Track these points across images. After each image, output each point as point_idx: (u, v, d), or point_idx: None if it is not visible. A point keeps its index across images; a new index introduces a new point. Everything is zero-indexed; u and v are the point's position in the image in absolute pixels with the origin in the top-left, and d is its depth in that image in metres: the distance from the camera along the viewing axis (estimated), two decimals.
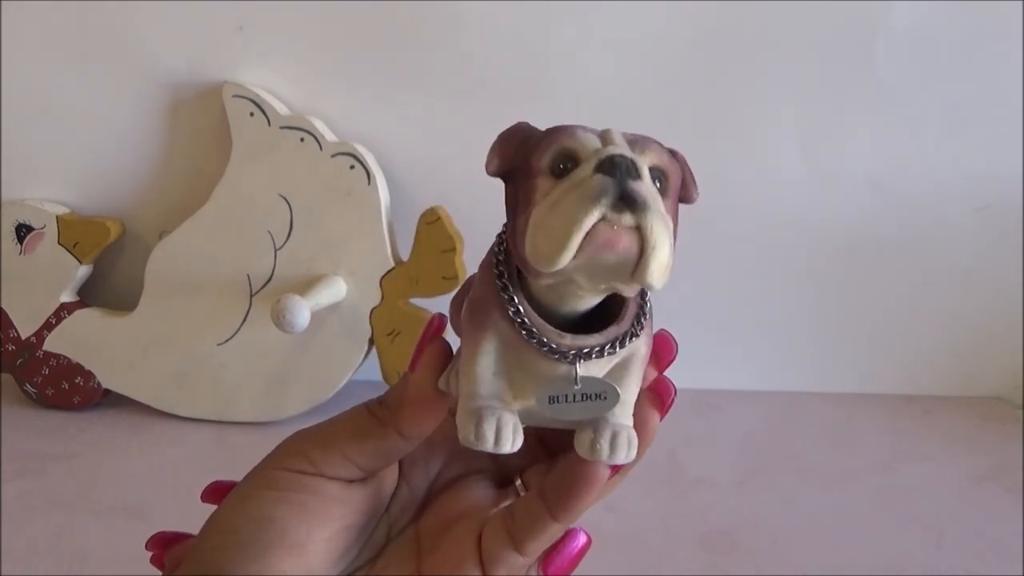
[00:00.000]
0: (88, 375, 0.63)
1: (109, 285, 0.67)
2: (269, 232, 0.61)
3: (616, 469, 0.22)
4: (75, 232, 0.62)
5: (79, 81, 0.62)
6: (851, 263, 0.69)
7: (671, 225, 0.20)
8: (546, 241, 0.19)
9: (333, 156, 0.60)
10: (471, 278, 0.23)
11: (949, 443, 0.65)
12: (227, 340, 0.62)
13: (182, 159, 0.64)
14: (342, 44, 0.61)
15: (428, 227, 0.58)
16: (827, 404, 0.71)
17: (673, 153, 0.22)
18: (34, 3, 0.59)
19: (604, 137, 0.21)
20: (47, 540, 0.49)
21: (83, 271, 0.63)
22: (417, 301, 0.60)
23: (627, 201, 0.19)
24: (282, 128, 0.60)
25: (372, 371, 0.61)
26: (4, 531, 0.49)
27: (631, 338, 0.21)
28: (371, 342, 0.61)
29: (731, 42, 0.62)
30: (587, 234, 0.18)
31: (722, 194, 0.66)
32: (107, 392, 0.64)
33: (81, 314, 0.63)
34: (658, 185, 0.20)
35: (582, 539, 0.22)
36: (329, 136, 0.61)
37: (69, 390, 0.64)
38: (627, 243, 0.18)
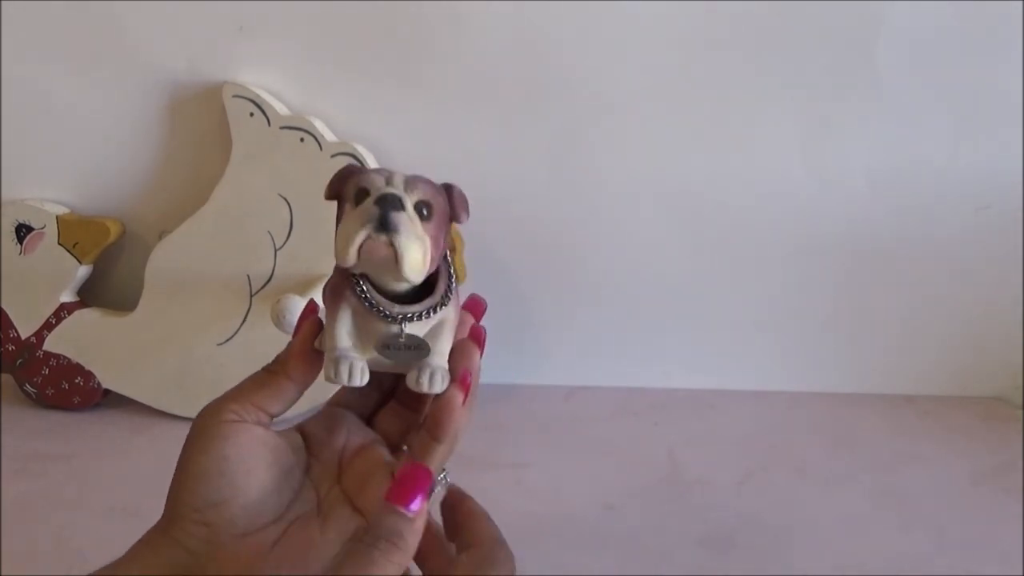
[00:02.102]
0: (88, 375, 0.63)
1: (109, 285, 0.67)
2: (269, 232, 0.61)
3: (467, 397, 0.31)
4: (75, 232, 0.62)
5: (79, 81, 0.62)
6: (851, 263, 0.69)
7: (425, 239, 0.28)
8: (340, 243, 0.29)
9: (333, 156, 0.60)
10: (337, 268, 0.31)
11: (949, 443, 0.65)
12: (227, 340, 0.62)
13: (182, 159, 0.64)
14: (342, 44, 0.61)
15: None
16: (827, 404, 0.71)
17: (448, 187, 0.31)
18: (34, 3, 0.59)
19: (388, 179, 0.29)
20: (47, 540, 0.49)
21: (83, 271, 0.63)
22: None
23: (383, 225, 0.28)
24: (282, 128, 0.60)
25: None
26: (4, 531, 0.49)
27: (441, 307, 0.30)
28: None
29: (731, 42, 0.62)
30: (360, 245, 0.28)
31: (722, 194, 0.66)
32: (107, 392, 0.64)
33: (81, 314, 0.63)
34: (425, 212, 0.29)
35: (426, 473, 0.28)
36: (329, 136, 0.61)
37: (69, 390, 0.64)
38: (384, 252, 0.28)
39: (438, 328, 0.31)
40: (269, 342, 0.61)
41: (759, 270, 0.69)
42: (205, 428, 0.31)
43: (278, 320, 0.54)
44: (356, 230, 0.28)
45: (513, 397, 0.69)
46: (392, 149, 0.63)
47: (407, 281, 0.29)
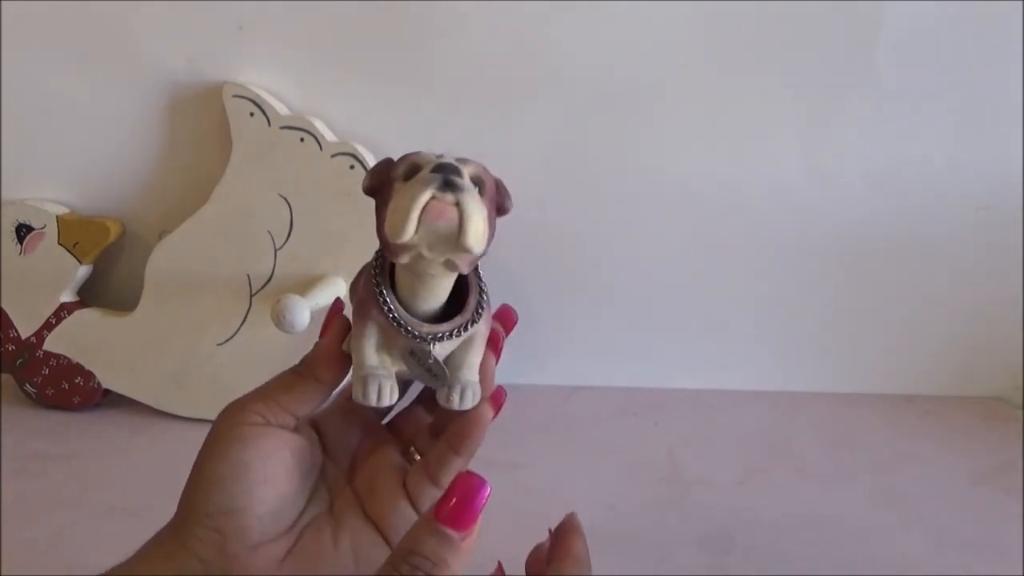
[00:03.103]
0: (88, 375, 0.63)
1: (109, 285, 0.67)
2: (269, 232, 0.61)
3: (497, 412, 0.30)
4: (75, 232, 0.62)
5: (79, 81, 0.62)
6: (851, 263, 0.69)
7: (484, 208, 0.26)
8: (397, 217, 0.26)
9: (333, 156, 0.60)
10: (360, 273, 0.31)
11: (949, 443, 0.65)
12: (227, 340, 0.62)
13: (182, 159, 0.64)
14: (342, 44, 0.61)
15: None
16: (827, 404, 0.71)
17: (497, 183, 0.29)
18: (34, 3, 0.59)
19: (439, 156, 0.28)
20: (47, 540, 0.49)
21: (83, 271, 0.63)
22: None
23: (449, 185, 0.26)
24: (282, 128, 0.60)
25: None
26: (4, 531, 0.49)
27: (472, 324, 0.29)
28: None
29: (731, 42, 0.62)
30: (423, 210, 0.25)
31: (722, 194, 0.66)
32: (107, 392, 0.64)
33: (81, 314, 0.63)
34: (476, 188, 0.27)
35: (484, 489, 0.26)
36: (329, 136, 0.61)
37: (69, 390, 0.64)
38: (450, 214, 0.25)
39: (469, 342, 0.30)
40: (269, 342, 0.61)
41: (759, 270, 0.69)
42: (226, 430, 0.29)
43: (278, 320, 0.54)
44: (417, 194, 0.25)
45: (513, 397, 0.68)
46: (392, 149, 0.62)
47: (469, 252, 0.26)
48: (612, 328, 0.71)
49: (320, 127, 0.60)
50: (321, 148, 0.60)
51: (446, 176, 0.26)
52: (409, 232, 0.25)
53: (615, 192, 0.66)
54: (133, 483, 0.55)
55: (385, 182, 0.28)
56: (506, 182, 0.29)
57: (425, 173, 0.26)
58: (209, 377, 0.62)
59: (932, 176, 0.66)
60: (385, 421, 0.35)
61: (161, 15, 0.60)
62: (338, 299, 0.33)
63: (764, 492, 0.57)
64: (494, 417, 0.30)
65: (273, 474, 0.28)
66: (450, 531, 0.24)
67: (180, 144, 0.64)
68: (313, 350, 0.31)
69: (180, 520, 0.28)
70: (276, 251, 0.61)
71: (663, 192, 0.66)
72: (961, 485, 0.59)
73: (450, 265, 0.27)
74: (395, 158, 0.29)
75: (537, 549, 0.32)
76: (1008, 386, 0.73)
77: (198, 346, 0.62)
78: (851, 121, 0.65)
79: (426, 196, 0.25)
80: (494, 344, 0.31)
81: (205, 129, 0.63)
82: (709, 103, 0.64)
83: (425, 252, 0.26)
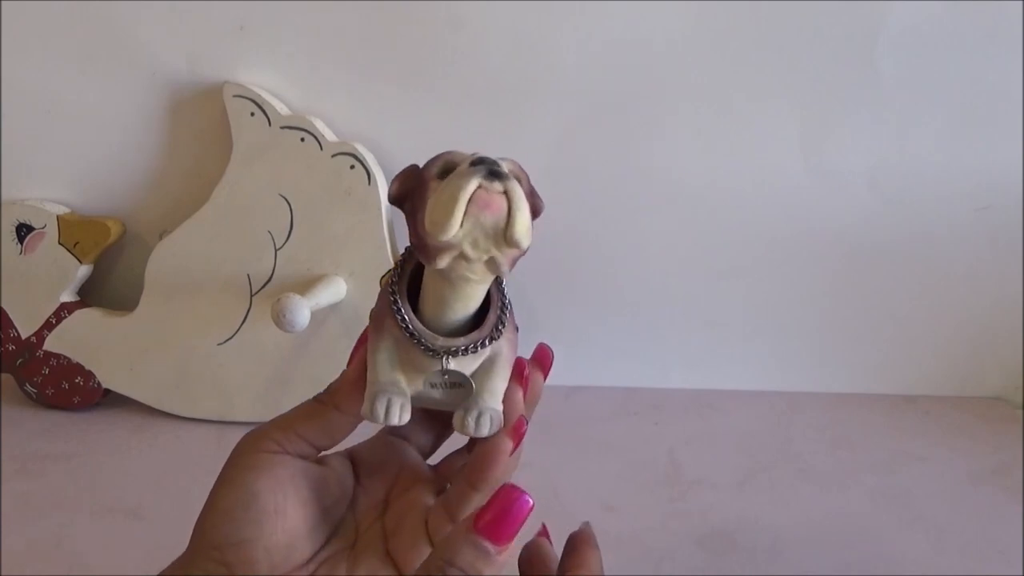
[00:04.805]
0: (88, 375, 0.63)
1: (109, 285, 0.67)
2: (269, 232, 0.61)
3: (517, 446, 0.28)
4: (75, 232, 0.62)
5: (79, 81, 0.62)
6: (851, 263, 0.69)
7: (527, 202, 0.25)
8: (441, 210, 0.24)
9: (333, 156, 0.60)
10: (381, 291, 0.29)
11: (949, 443, 0.65)
12: (227, 340, 0.62)
13: (182, 159, 0.64)
14: (342, 44, 0.61)
15: None
16: (827, 404, 0.71)
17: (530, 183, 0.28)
18: (34, 3, 0.59)
19: (474, 154, 0.26)
20: (47, 540, 0.49)
21: (83, 271, 0.63)
22: None
23: (495, 174, 0.24)
24: (282, 128, 0.60)
25: None
26: (4, 531, 0.49)
27: (490, 340, 0.27)
28: None
29: (731, 42, 0.62)
30: (470, 200, 0.24)
31: (722, 193, 0.66)
32: (107, 392, 0.64)
33: (81, 314, 0.63)
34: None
35: (526, 502, 0.25)
36: (329, 136, 0.61)
37: (69, 390, 0.64)
38: (499, 203, 0.24)
39: (489, 364, 0.28)
40: (269, 342, 0.61)
41: (759, 270, 0.69)
42: (239, 457, 0.28)
43: (278, 320, 0.54)
44: (463, 184, 0.24)
45: None
46: (392, 149, 0.63)
47: (516, 246, 0.25)
48: (612, 328, 0.71)
49: (320, 127, 0.60)
50: (321, 148, 0.60)
51: (490, 167, 0.25)
52: (455, 226, 0.24)
53: (615, 192, 0.66)
54: (133, 483, 0.55)
55: (417, 185, 0.26)
56: None
57: (464, 167, 0.25)
58: (209, 377, 0.62)
59: (932, 176, 0.66)
60: (433, 461, 0.33)
61: (161, 15, 0.60)
62: (367, 328, 0.31)
63: (764, 492, 0.57)
64: (514, 450, 0.28)
65: (285, 505, 0.27)
66: (488, 544, 0.23)
67: (180, 144, 0.64)
68: (339, 378, 0.30)
69: (190, 551, 0.27)
70: (276, 251, 0.61)
71: (663, 192, 0.66)
72: (961, 485, 0.59)
73: (492, 265, 0.26)
74: (420, 164, 0.27)
75: (527, 548, 0.31)
76: (1008, 386, 0.73)
77: (198, 346, 0.62)
78: (851, 121, 0.65)
79: (473, 185, 0.24)
80: (519, 374, 0.29)
81: (205, 129, 0.63)
82: (707, 102, 0.64)
83: (468, 250, 0.25)
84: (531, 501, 0.25)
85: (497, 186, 0.24)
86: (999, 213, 0.67)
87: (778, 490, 0.58)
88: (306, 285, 0.58)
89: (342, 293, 0.60)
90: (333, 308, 0.60)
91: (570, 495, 0.55)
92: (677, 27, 0.61)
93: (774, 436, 0.66)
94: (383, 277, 0.30)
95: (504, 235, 0.25)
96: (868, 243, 0.68)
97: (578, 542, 0.30)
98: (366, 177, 0.60)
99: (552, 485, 0.56)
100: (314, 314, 0.55)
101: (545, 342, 0.32)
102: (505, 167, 0.26)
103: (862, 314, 0.71)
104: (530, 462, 0.59)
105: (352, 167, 0.60)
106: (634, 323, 0.71)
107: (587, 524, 0.31)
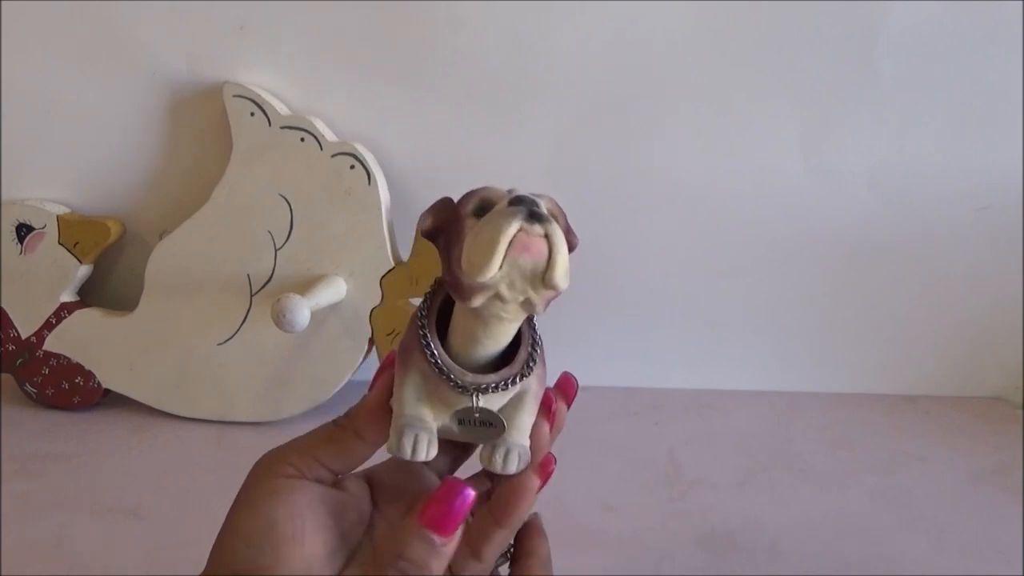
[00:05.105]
0: (88, 375, 0.63)
1: (109, 285, 0.67)
2: (269, 232, 0.61)
3: (544, 482, 0.28)
4: (75, 232, 0.62)
5: (79, 81, 0.62)
6: (851, 263, 0.69)
7: (566, 243, 0.25)
8: (480, 252, 0.24)
9: (333, 156, 0.60)
10: (410, 321, 0.29)
11: (949, 443, 0.65)
12: (227, 340, 0.62)
13: (182, 159, 0.64)
14: (342, 44, 0.61)
15: None
16: (827, 404, 0.71)
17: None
18: (34, 3, 0.59)
19: (511, 191, 0.26)
20: (47, 540, 0.49)
21: (83, 271, 0.63)
22: (417, 301, 0.60)
23: (536, 216, 0.24)
24: (282, 128, 0.60)
25: (372, 371, 0.61)
26: (4, 531, 0.49)
27: (521, 378, 0.27)
28: (371, 342, 0.61)
29: (731, 42, 0.62)
30: (510, 243, 0.24)
31: (722, 193, 0.66)
32: (107, 392, 0.64)
33: (81, 314, 0.63)
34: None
35: (468, 495, 0.26)
36: (329, 136, 0.61)
37: (69, 390, 0.64)
38: (540, 246, 0.24)
39: (518, 400, 0.28)
40: (269, 342, 0.61)
41: (759, 269, 0.69)
42: (258, 481, 0.28)
43: (278, 320, 0.54)
44: (504, 226, 0.24)
45: None
46: (392, 149, 0.63)
47: (554, 289, 0.25)
48: (612, 328, 0.71)
49: (320, 127, 0.60)
50: (321, 148, 0.60)
51: (530, 208, 0.24)
52: (494, 268, 0.24)
53: (615, 192, 0.66)
54: (133, 483, 0.55)
55: (451, 220, 0.26)
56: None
57: (503, 206, 0.25)
58: (209, 377, 0.62)
59: (932, 176, 0.66)
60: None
61: (161, 15, 0.60)
62: (392, 351, 0.30)
63: (764, 492, 0.57)
64: (540, 488, 0.28)
65: (303, 532, 0.27)
66: (434, 536, 0.24)
67: (180, 144, 0.64)
68: (360, 402, 0.30)
69: (208, 572, 0.27)
70: (276, 251, 0.61)
71: (663, 192, 0.66)
72: (961, 485, 0.59)
73: (527, 306, 0.25)
74: (455, 197, 0.27)
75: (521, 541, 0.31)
76: (1008, 386, 0.73)
77: (198, 346, 0.62)
78: (851, 121, 0.65)
79: (514, 228, 0.24)
80: (547, 409, 0.29)
81: (205, 129, 0.63)
82: (707, 102, 0.64)
83: (504, 291, 0.25)
84: (472, 493, 0.25)
85: (538, 229, 0.24)
86: (999, 213, 0.67)
87: (778, 490, 0.58)
88: (306, 285, 0.58)
89: (342, 293, 0.60)
90: (333, 308, 0.60)
91: (570, 495, 0.55)
92: (677, 27, 0.61)
93: (774, 436, 0.66)
94: (413, 312, 0.29)
95: (543, 278, 0.24)
96: (868, 243, 0.68)
97: (527, 532, 0.30)
98: (366, 177, 0.60)
99: (552, 485, 0.56)
100: (314, 314, 0.55)
101: (570, 372, 0.32)
102: (544, 205, 0.25)
103: (862, 314, 0.71)
104: None
105: (352, 167, 0.60)
106: (634, 323, 0.71)
107: (536, 515, 0.31)
